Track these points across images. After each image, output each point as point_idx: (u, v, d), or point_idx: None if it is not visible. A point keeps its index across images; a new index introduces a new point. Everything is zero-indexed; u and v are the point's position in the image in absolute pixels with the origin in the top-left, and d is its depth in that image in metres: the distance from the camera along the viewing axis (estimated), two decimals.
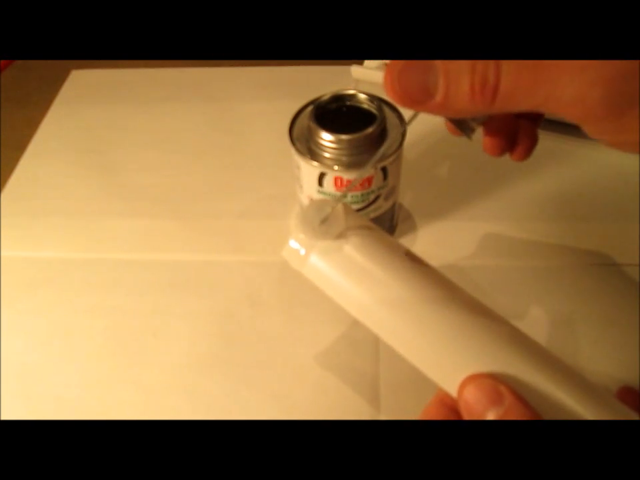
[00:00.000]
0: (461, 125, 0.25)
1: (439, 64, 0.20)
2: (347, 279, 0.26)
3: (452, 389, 0.24)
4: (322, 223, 0.26)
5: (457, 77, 0.19)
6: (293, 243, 0.27)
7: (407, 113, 0.37)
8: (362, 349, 0.38)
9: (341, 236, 0.26)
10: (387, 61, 0.24)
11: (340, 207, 0.27)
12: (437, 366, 0.25)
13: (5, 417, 0.36)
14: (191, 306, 0.41)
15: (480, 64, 0.19)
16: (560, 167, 0.48)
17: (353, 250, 0.26)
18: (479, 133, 0.28)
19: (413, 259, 0.26)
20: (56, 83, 0.60)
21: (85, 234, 0.46)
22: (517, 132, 0.28)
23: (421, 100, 0.21)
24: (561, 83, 0.18)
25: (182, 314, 0.40)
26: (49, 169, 0.51)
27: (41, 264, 0.44)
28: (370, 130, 0.34)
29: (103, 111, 0.56)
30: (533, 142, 0.29)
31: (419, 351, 0.25)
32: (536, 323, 0.38)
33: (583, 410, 0.22)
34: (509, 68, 0.18)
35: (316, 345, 0.38)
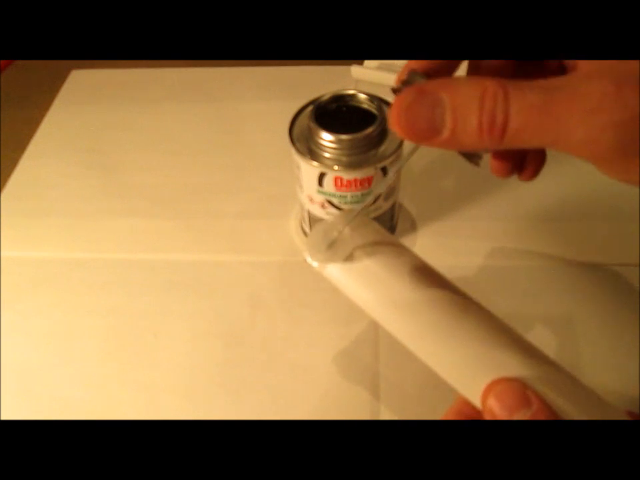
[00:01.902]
0: (468, 155, 0.25)
1: (447, 99, 0.19)
2: (363, 291, 0.26)
3: (472, 391, 0.24)
4: (328, 247, 0.26)
5: (465, 114, 0.19)
6: (309, 259, 0.27)
7: None
8: (362, 348, 0.38)
9: (349, 256, 0.26)
10: (394, 87, 0.23)
11: (347, 230, 0.26)
12: (459, 371, 0.25)
13: (4, 417, 0.36)
14: (191, 306, 0.41)
15: (488, 100, 0.18)
16: (560, 166, 0.48)
17: (363, 270, 0.26)
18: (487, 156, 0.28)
19: (428, 274, 0.27)
20: (56, 82, 0.60)
21: (85, 234, 0.46)
22: (525, 154, 0.28)
23: (428, 136, 0.20)
24: (571, 125, 0.18)
25: (182, 314, 0.40)
26: (49, 169, 0.51)
27: (41, 264, 0.44)
28: (370, 130, 0.34)
29: (103, 111, 0.56)
30: (541, 163, 0.28)
31: (440, 358, 0.25)
32: (536, 323, 0.38)
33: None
34: (519, 107, 0.18)
35: (316, 345, 0.38)
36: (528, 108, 0.18)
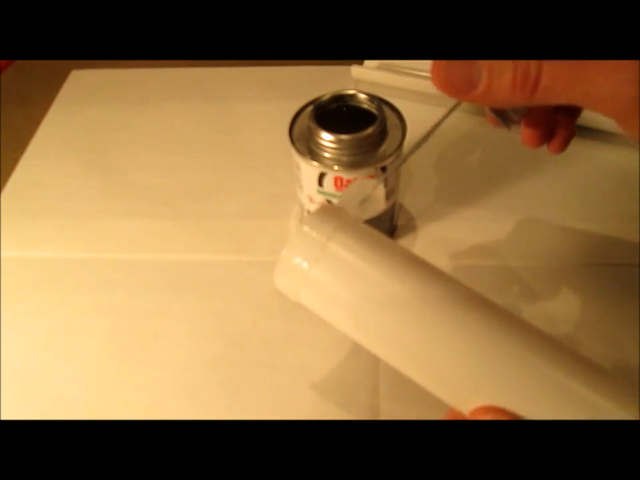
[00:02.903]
0: (502, 116, 0.26)
1: (484, 60, 0.21)
2: (355, 282, 0.25)
3: (462, 408, 0.24)
4: (361, 203, 0.26)
5: (500, 70, 0.21)
6: (296, 259, 0.25)
7: (407, 114, 0.37)
8: (362, 348, 0.38)
9: (344, 243, 0.25)
10: None
11: (381, 187, 0.27)
12: (449, 387, 0.24)
13: (5, 417, 0.36)
14: (191, 306, 0.41)
15: (522, 62, 0.20)
16: (560, 167, 0.48)
17: (358, 249, 0.25)
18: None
19: (420, 267, 0.26)
20: (56, 83, 0.60)
21: (85, 234, 0.46)
22: (555, 124, 0.29)
23: (465, 90, 0.22)
24: (599, 81, 0.19)
25: (182, 314, 0.40)
26: (48, 169, 0.51)
27: (41, 264, 0.44)
28: (370, 130, 0.34)
29: (103, 111, 0.56)
30: (571, 134, 0.29)
31: (430, 371, 0.24)
32: (536, 323, 0.38)
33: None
34: (551, 64, 0.20)
35: (316, 345, 0.38)
36: (559, 65, 0.20)
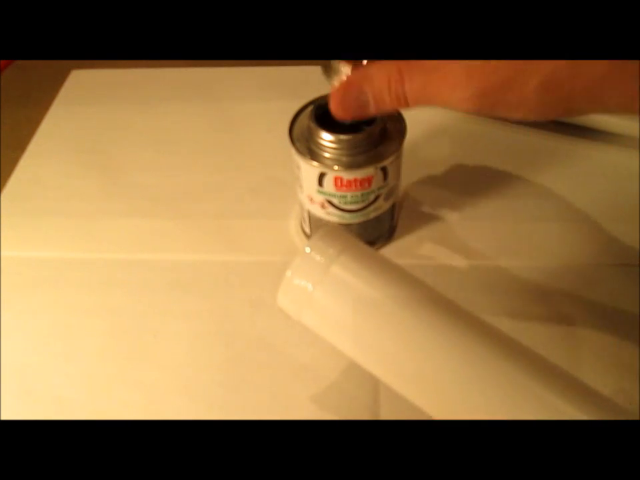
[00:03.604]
0: None
1: (368, 89, 0.28)
2: (356, 306, 0.25)
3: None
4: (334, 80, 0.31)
5: (381, 97, 0.28)
6: (299, 281, 0.26)
7: (407, 114, 0.37)
8: None
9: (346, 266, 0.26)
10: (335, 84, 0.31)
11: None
12: (448, 409, 0.24)
13: (5, 417, 0.36)
14: (191, 306, 0.41)
15: (392, 85, 0.27)
16: (560, 166, 0.48)
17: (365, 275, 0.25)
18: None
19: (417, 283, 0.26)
20: (56, 83, 0.60)
21: (85, 234, 0.46)
22: None
23: (361, 113, 0.30)
24: (445, 95, 0.26)
25: (182, 314, 0.40)
26: (49, 169, 0.51)
27: (41, 264, 0.44)
28: (370, 130, 0.34)
29: (103, 111, 0.56)
30: None
31: (430, 393, 0.24)
32: (536, 323, 0.38)
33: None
34: (409, 87, 0.27)
35: (316, 345, 0.38)
36: (415, 88, 0.27)
